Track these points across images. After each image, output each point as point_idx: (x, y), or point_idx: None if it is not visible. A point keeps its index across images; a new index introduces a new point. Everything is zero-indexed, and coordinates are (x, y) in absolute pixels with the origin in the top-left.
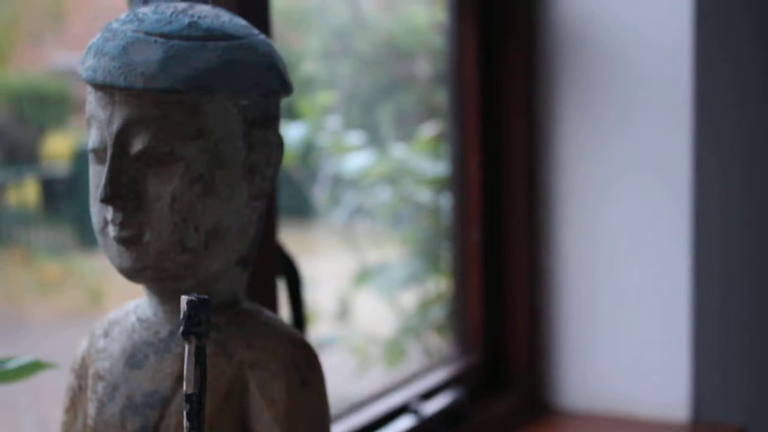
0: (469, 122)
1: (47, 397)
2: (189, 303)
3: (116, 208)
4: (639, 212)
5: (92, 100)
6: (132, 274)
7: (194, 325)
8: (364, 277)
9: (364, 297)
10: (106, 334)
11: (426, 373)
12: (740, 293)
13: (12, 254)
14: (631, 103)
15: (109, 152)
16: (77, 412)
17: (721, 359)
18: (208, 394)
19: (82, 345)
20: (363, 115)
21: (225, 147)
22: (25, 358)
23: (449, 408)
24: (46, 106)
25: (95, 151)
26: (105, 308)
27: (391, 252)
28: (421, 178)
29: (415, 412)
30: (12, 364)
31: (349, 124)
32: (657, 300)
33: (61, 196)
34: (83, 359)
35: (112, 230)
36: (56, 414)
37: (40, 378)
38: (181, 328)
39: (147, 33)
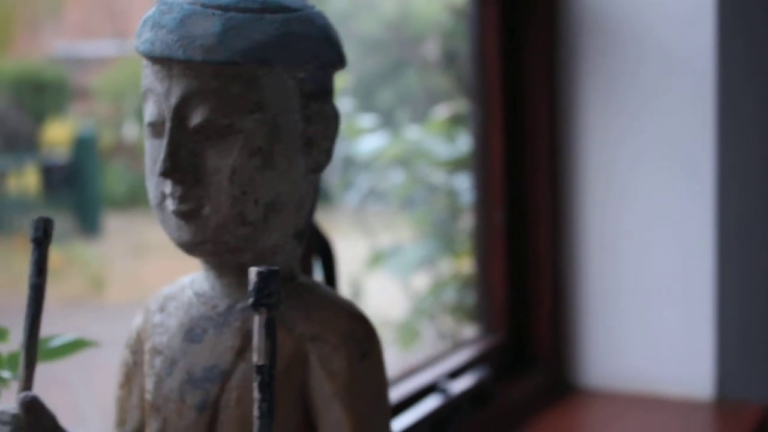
0: (491, 103)
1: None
2: (259, 274)
3: (175, 182)
4: (663, 193)
5: (149, 74)
6: (191, 247)
7: (264, 297)
8: (377, 259)
9: (377, 280)
10: (161, 309)
11: (451, 353)
12: (763, 272)
13: (13, 241)
14: (655, 86)
15: (167, 125)
16: (132, 387)
17: (744, 338)
18: None
19: (137, 320)
20: (372, 98)
21: (283, 120)
22: (69, 336)
23: (476, 387)
24: (45, 94)
25: (152, 124)
26: (107, 296)
27: (403, 234)
28: (435, 160)
29: (443, 391)
30: (56, 342)
31: (361, 107)
32: (680, 279)
33: (62, 183)
34: (138, 334)
35: (170, 204)
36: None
37: None
38: (251, 300)
39: (204, 5)
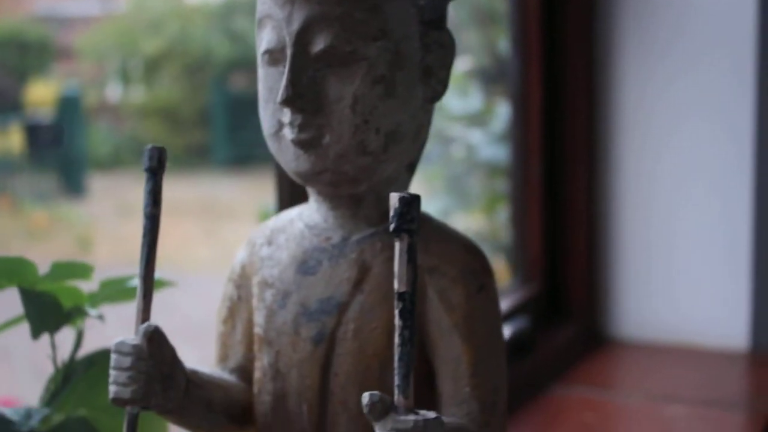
0: (530, 58)
1: None
2: (401, 200)
3: (295, 110)
4: (700, 149)
5: (267, 0)
6: (309, 177)
7: (406, 222)
8: None
9: None
10: (270, 242)
11: None
12: None
13: None
14: (695, 41)
15: (289, 52)
16: (236, 322)
17: None
18: (387, 300)
19: (240, 255)
20: None
21: (404, 48)
22: None
23: (516, 336)
24: (28, 54)
25: (270, 52)
26: (95, 255)
27: (419, 189)
28: (450, 114)
29: None
30: (136, 282)
31: None
32: (717, 231)
33: (46, 143)
34: (243, 269)
35: (289, 133)
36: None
37: None
38: (392, 225)
39: None
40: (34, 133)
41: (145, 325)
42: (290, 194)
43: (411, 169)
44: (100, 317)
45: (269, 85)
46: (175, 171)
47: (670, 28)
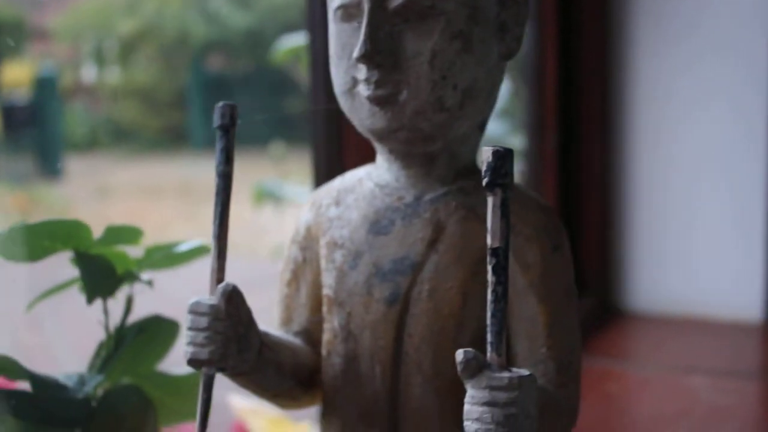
0: (546, 41)
1: None
2: (495, 153)
3: (372, 66)
4: (714, 128)
5: None
6: (385, 134)
7: (500, 177)
8: None
9: None
10: (338, 203)
11: None
12: None
13: None
14: (708, 32)
15: (366, 6)
16: (300, 284)
17: None
18: (462, 260)
19: (304, 216)
20: None
21: (481, 3)
22: (193, 242)
23: None
24: (1, 34)
25: (345, 7)
26: None
27: None
28: None
29: None
30: (181, 248)
31: None
32: (730, 206)
33: (23, 125)
34: (308, 230)
35: (364, 89)
36: None
37: None
38: (486, 180)
39: None
40: (9, 114)
41: (224, 284)
42: (327, 168)
43: (482, 127)
44: (149, 283)
45: (342, 41)
46: (152, 152)
47: (686, 15)
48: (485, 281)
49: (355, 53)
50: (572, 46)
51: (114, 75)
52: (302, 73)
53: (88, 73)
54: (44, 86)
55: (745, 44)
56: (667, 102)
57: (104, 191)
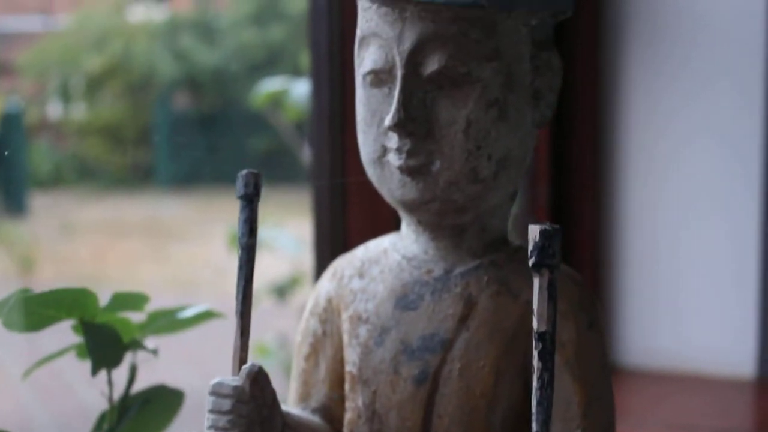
0: None
1: None
2: (543, 232)
3: (404, 135)
4: (707, 172)
5: (373, 17)
6: (416, 206)
7: (548, 257)
8: None
9: None
10: (361, 274)
11: None
12: None
13: None
14: (701, 67)
15: (400, 73)
16: (319, 359)
17: None
18: (494, 337)
19: (325, 287)
20: None
21: (516, 70)
22: (199, 307)
23: None
24: None
25: (375, 72)
26: (38, 275)
27: None
28: None
29: None
30: (186, 313)
31: None
32: (723, 257)
33: None
34: (329, 302)
35: (396, 159)
36: None
37: None
38: (533, 260)
39: None
40: None
41: (250, 364)
42: (330, 222)
43: (513, 197)
44: (154, 351)
45: (372, 108)
46: (118, 190)
47: (679, 51)
48: (517, 359)
49: (387, 121)
50: (563, 90)
51: (80, 112)
52: (282, 118)
53: (54, 110)
54: (10, 122)
55: (739, 82)
56: (658, 147)
57: (69, 228)
